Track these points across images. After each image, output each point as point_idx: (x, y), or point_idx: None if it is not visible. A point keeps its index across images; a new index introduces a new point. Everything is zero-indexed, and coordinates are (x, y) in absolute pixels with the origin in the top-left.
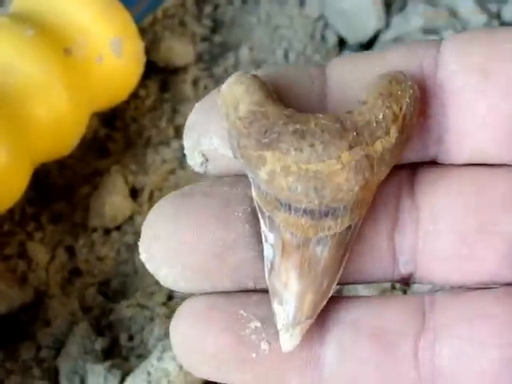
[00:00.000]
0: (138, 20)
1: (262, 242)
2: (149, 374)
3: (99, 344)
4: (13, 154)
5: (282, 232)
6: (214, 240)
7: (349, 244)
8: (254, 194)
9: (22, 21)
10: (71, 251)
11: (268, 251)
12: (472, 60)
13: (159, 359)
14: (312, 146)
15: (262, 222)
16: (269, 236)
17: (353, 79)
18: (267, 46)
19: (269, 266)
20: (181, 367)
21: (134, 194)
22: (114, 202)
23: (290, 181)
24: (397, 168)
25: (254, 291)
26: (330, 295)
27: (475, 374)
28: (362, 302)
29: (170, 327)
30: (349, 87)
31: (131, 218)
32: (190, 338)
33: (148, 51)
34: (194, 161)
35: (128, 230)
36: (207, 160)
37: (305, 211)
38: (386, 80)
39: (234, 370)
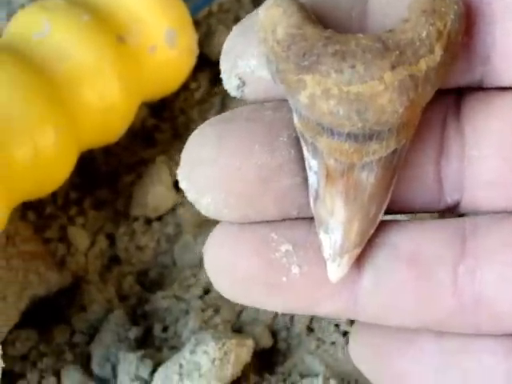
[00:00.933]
0: (193, 12)
1: (305, 169)
2: (181, 366)
3: (133, 333)
4: (60, 138)
5: (325, 158)
6: (259, 165)
7: (395, 169)
8: (295, 119)
9: (78, 5)
10: (111, 239)
11: (312, 179)
12: None
13: (192, 352)
14: (353, 67)
15: (304, 148)
16: (312, 163)
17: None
18: None
19: (314, 195)
20: (213, 361)
21: (178, 185)
22: (157, 192)
23: (332, 104)
24: (442, 93)
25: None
26: (377, 223)
27: None
28: (400, 225)
29: (204, 249)
30: (391, 6)
31: (173, 209)
32: (221, 260)
33: (201, 44)
34: (230, 84)
35: (169, 220)
36: (244, 83)
37: (348, 135)
38: None
39: (264, 293)
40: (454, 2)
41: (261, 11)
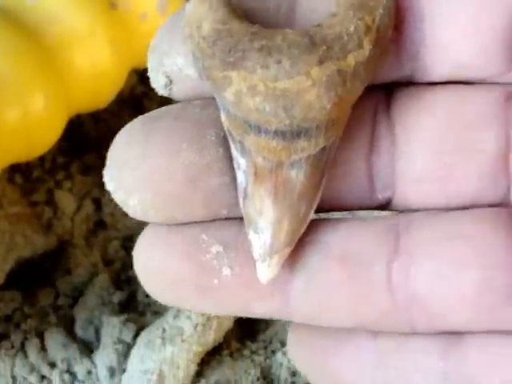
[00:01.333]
0: None
1: (234, 167)
2: (163, 330)
3: (117, 297)
4: (50, 101)
5: (253, 156)
6: (187, 165)
7: (325, 167)
8: (222, 117)
9: None
10: (98, 203)
11: (241, 178)
12: None
13: (175, 317)
14: (279, 62)
15: (232, 147)
16: (241, 162)
17: None
18: None
19: (243, 194)
20: (195, 327)
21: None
22: None
23: (258, 101)
24: (372, 88)
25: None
26: (307, 222)
27: (455, 296)
28: (332, 224)
29: (133, 252)
30: (319, 1)
31: None
32: (151, 262)
33: None
34: (158, 83)
35: None
36: (171, 81)
37: (276, 133)
38: None
39: (195, 296)
40: None
41: (187, 6)
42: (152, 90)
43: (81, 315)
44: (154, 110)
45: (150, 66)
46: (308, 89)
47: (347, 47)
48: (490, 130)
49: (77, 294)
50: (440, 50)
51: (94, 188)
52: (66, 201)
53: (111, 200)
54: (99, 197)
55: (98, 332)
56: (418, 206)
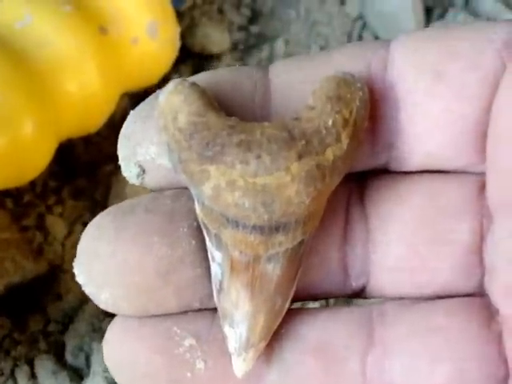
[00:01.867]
0: (176, 4)
1: (208, 258)
2: None
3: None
4: (39, 126)
5: (229, 250)
6: (159, 258)
7: (301, 259)
8: (197, 210)
9: None
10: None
11: (216, 270)
12: (424, 60)
13: None
14: (259, 157)
15: (207, 240)
16: (216, 255)
17: (298, 81)
18: (303, 41)
19: (217, 287)
20: None
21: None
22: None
23: (237, 196)
24: (346, 177)
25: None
26: (283, 314)
27: None
28: (307, 314)
29: (103, 342)
30: (294, 90)
31: None
32: (122, 356)
33: (184, 36)
34: (129, 172)
35: None
36: (144, 171)
37: (254, 227)
38: (334, 82)
39: None
40: (359, 89)
41: (161, 97)
42: None
43: (71, 342)
44: (125, 201)
45: (121, 155)
46: (287, 184)
47: (326, 141)
48: (464, 221)
49: (67, 321)
50: (414, 139)
51: (85, 212)
52: (57, 226)
53: None
54: (90, 221)
55: (88, 359)
56: (391, 295)
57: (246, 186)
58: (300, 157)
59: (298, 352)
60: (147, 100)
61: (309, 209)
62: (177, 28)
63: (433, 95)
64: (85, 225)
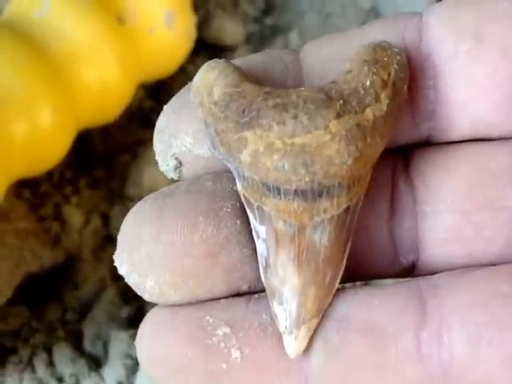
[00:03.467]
0: None
1: (254, 239)
2: None
3: (125, 312)
4: (58, 116)
5: (273, 222)
6: (205, 239)
7: (350, 230)
8: (238, 186)
9: None
10: (106, 218)
11: (261, 248)
12: (463, 24)
13: None
14: (295, 117)
15: (251, 216)
16: (260, 230)
17: (330, 59)
18: (317, 32)
19: (264, 264)
20: None
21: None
22: (152, 172)
23: (276, 158)
24: (389, 151)
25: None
26: (334, 290)
27: (498, 361)
28: (350, 293)
29: (136, 339)
30: (326, 68)
31: None
32: (155, 350)
33: (199, 27)
34: (166, 166)
35: None
36: (181, 163)
37: (296, 192)
38: (371, 48)
39: (205, 383)
40: (397, 53)
41: (196, 77)
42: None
43: (89, 330)
44: (163, 188)
45: (157, 149)
46: (327, 143)
47: (364, 101)
48: None
49: (85, 309)
50: (457, 107)
51: (101, 202)
52: (74, 215)
53: (119, 214)
54: (107, 211)
55: (106, 347)
56: (443, 268)
57: (285, 148)
58: (338, 115)
59: (343, 332)
60: (180, 92)
61: (352, 171)
62: (193, 18)
63: (476, 58)
64: (102, 215)
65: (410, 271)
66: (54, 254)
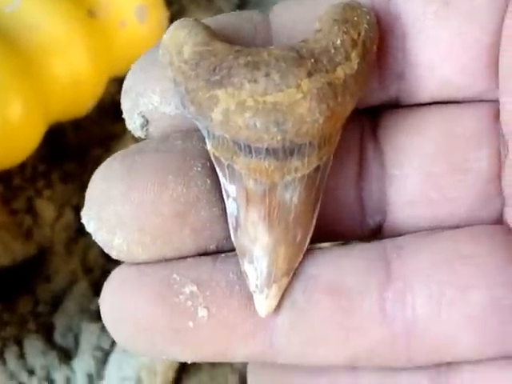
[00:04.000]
0: None
1: (223, 199)
2: None
3: (96, 304)
4: (28, 109)
5: (244, 180)
6: (175, 198)
7: (319, 189)
8: (208, 145)
9: None
10: (78, 211)
11: (231, 207)
12: None
13: None
14: (267, 75)
15: (220, 175)
16: (230, 189)
17: (299, 20)
18: None
19: (234, 224)
20: None
21: None
22: None
23: (247, 117)
24: (357, 113)
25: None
26: (304, 250)
27: (460, 320)
28: (317, 254)
29: (100, 297)
30: (295, 28)
31: None
32: (120, 309)
33: (172, 22)
34: (134, 124)
35: None
36: (148, 121)
37: (267, 151)
38: (340, 7)
39: (170, 342)
40: (366, 13)
41: (165, 35)
42: None
43: (60, 322)
44: (132, 146)
45: (124, 107)
46: (299, 101)
47: (335, 60)
48: (481, 149)
49: (56, 302)
50: (424, 69)
51: (74, 196)
52: (46, 209)
53: None
54: (79, 204)
55: (77, 339)
56: (409, 230)
57: (256, 106)
58: (310, 74)
59: (310, 292)
60: (148, 51)
61: (323, 129)
62: (165, 12)
63: (443, 20)
64: (74, 208)
65: (377, 232)
66: (25, 247)
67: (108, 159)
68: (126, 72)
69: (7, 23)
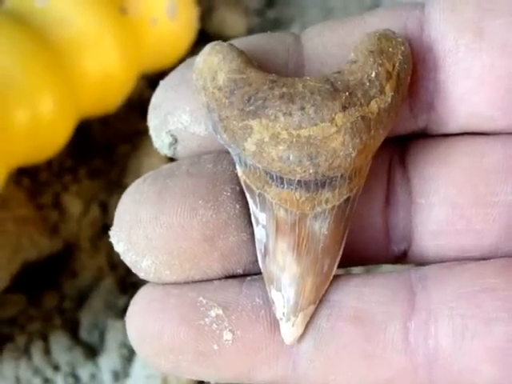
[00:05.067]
0: None
1: (252, 224)
2: None
3: (122, 301)
4: (59, 104)
5: (274, 210)
6: (204, 222)
7: (348, 219)
8: (239, 171)
9: None
10: (104, 207)
11: (260, 234)
12: (463, 17)
13: None
14: (302, 109)
15: (251, 202)
16: (260, 217)
17: (332, 45)
18: None
19: (262, 251)
20: None
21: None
22: (151, 163)
23: (281, 149)
24: (387, 141)
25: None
26: (331, 278)
27: (482, 353)
28: (342, 281)
29: (126, 316)
30: (328, 54)
31: None
32: (146, 328)
33: (202, 19)
34: (161, 142)
35: None
36: (176, 141)
37: (299, 183)
38: (375, 37)
39: (195, 363)
40: (401, 43)
41: (198, 58)
42: None
43: (85, 318)
44: (164, 166)
45: (151, 124)
46: (333, 135)
47: (370, 93)
48: (508, 182)
49: (82, 298)
50: (455, 100)
51: (100, 192)
52: (73, 204)
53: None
54: (106, 200)
55: (102, 336)
56: (434, 259)
57: (291, 139)
58: (344, 108)
59: (334, 319)
60: (177, 69)
61: (355, 163)
62: (195, 10)
63: (475, 52)
64: (100, 204)
65: (402, 259)
66: (52, 242)
67: (138, 180)
68: (156, 70)
69: (38, 18)
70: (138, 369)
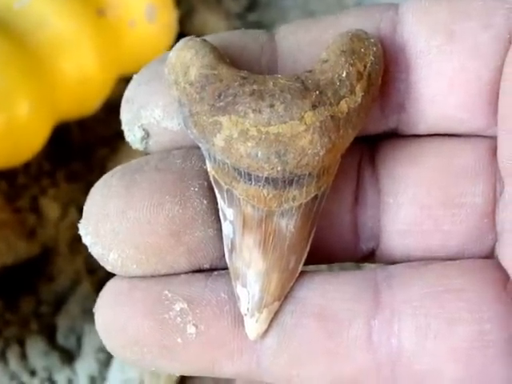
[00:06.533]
0: None
1: (220, 219)
2: None
3: None
4: (35, 106)
5: (242, 206)
6: (171, 217)
7: (315, 217)
8: (209, 167)
9: None
10: (82, 211)
11: (227, 229)
12: (436, 20)
13: None
14: (272, 106)
15: (219, 197)
16: (228, 212)
17: (305, 43)
18: None
19: (229, 246)
20: None
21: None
22: None
23: (250, 146)
24: (357, 140)
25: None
26: (297, 275)
27: (445, 353)
28: (308, 278)
29: (95, 308)
30: (301, 52)
31: None
32: (112, 321)
33: (181, 22)
34: (133, 136)
35: None
36: (148, 135)
37: (267, 180)
38: (347, 37)
39: (158, 356)
40: (373, 44)
41: (171, 54)
42: None
43: (62, 323)
44: (133, 161)
45: (124, 119)
46: (302, 134)
47: (340, 93)
48: (477, 184)
49: (59, 302)
50: (426, 101)
51: (79, 195)
52: (51, 208)
53: None
54: (84, 204)
55: (79, 340)
56: (401, 259)
57: (259, 136)
58: (314, 106)
59: (298, 316)
60: (150, 64)
61: (323, 162)
62: (174, 13)
63: (447, 54)
64: (78, 208)
65: (369, 257)
66: (29, 246)
67: (107, 174)
68: (134, 72)
69: (15, 20)
70: (115, 373)
